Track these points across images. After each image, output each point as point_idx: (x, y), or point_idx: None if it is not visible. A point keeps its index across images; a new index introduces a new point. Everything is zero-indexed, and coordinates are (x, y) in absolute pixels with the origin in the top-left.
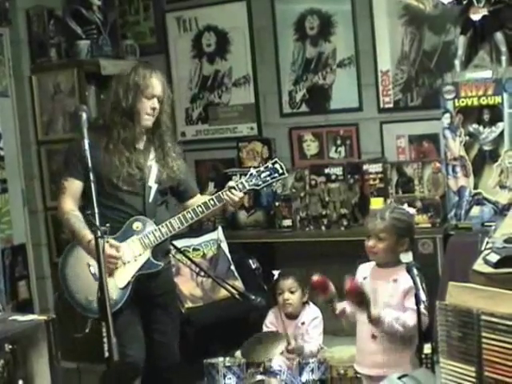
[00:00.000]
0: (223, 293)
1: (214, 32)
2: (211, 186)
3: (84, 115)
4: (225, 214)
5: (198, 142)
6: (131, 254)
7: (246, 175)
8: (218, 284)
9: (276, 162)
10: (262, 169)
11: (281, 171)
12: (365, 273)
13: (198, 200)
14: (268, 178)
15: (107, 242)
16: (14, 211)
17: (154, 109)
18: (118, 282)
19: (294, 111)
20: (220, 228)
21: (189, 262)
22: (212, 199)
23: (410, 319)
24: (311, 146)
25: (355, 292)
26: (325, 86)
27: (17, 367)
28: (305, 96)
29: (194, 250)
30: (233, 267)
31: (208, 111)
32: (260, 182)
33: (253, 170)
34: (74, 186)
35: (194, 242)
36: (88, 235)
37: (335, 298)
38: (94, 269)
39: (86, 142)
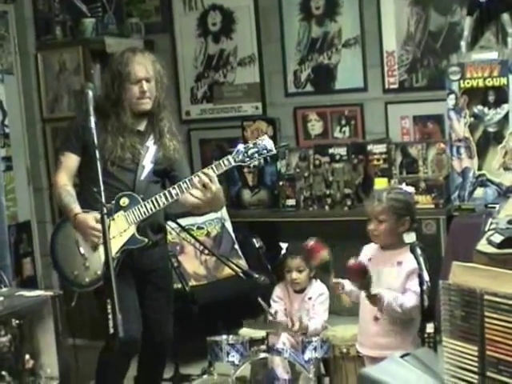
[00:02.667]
0: (227, 271)
1: (220, 11)
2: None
3: (90, 93)
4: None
5: (202, 121)
6: (116, 230)
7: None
8: (221, 262)
9: (265, 139)
10: (250, 145)
11: (269, 148)
12: (369, 253)
13: None
14: (256, 155)
15: (94, 216)
16: (18, 189)
17: (143, 92)
18: (103, 257)
19: (298, 91)
20: (224, 207)
21: (193, 241)
22: (197, 175)
23: (409, 301)
24: (316, 126)
25: (358, 270)
26: (330, 66)
27: (23, 342)
28: (310, 76)
29: (198, 228)
30: (236, 246)
31: (213, 90)
32: (246, 159)
33: (240, 146)
34: (70, 160)
35: (199, 220)
36: (75, 209)
37: (331, 265)
38: (81, 244)
39: (92, 119)
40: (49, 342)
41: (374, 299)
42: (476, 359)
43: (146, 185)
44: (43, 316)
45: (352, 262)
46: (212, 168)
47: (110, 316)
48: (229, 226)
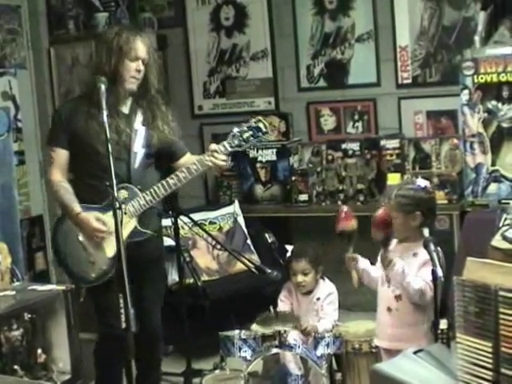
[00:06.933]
0: (239, 266)
1: (233, 5)
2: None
3: (103, 87)
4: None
5: (215, 115)
6: None
7: (228, 137)
8: (234, 257)
9: (259, 121)
10: (244, 128)
11: (264, 130)
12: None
13: (188, 159)
14: (251, 138)
15: (95, 216)
16: (31, 183)
17: (138, 71)
18: (107, 252)
19: (311, 86)
20: (236, 202)
21: (205, 235)
22: (195, 163)
23: (416, 283)
24: (328, 121)
25: (384, 219)
26: (343, 61)
27: (36, 336)
28: (323, 70)
29: (211, 223)
30: (249, 241)
31: (225, 85)
32: (243, 143)
33: (235, 130)
34: (61, 155)
35: (211, 215)
36: (76, 208)
37: (353, 237)
38: (84, 240)
39: (105, 113)
40: (61, 336)
41: (387, 260)
42: (490, 356)
43: (142, 172)
44: (55, 310)
45: (380, 211)
46: (208, 156)
47: (123, 310)
48: (241, 220)
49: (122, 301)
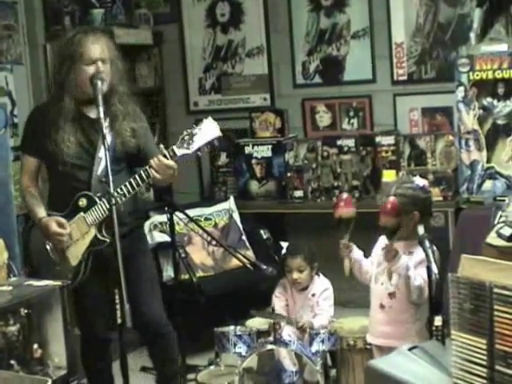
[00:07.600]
0: (234, 262)
1: (228, 2)
2: (223, 156)
3: (99, 83)
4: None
5: (210, 112)
6: (78, 232)
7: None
8: (229, 253)
9: (208, 122)
10: (194, 131)
11: (215, 132)
12: (383, 243)
13: None
14: (200, 141)
15: (56, 220)
16: None
17: (100, 72)
18: (71, 260)
19: (307, 82)
20: (232, 198)
21: (200, 231)
22: (146, 170)
23: (416, 280)
24: (324, 118)
25: (395, 207)
26: (338, 58)
27: (32, 331)
28: (318, 67)
29: (206, 219)
30: (244, 237)
31: (221, 81)
32: (191, 146)
33: (184, 134)
34: (30, 163)
35: (206, 211)
36: (39, 213)
37: (351, 225)
38: (50, 249)
39: (101, 109)
40: (57, 331)
41: (392, 253)
42: (485, 352)
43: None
44: (51, 306)
45: (391, 198)
46: (157, 159)
47: (118, 306)
48: (236, 217)
49: (117, 297)
